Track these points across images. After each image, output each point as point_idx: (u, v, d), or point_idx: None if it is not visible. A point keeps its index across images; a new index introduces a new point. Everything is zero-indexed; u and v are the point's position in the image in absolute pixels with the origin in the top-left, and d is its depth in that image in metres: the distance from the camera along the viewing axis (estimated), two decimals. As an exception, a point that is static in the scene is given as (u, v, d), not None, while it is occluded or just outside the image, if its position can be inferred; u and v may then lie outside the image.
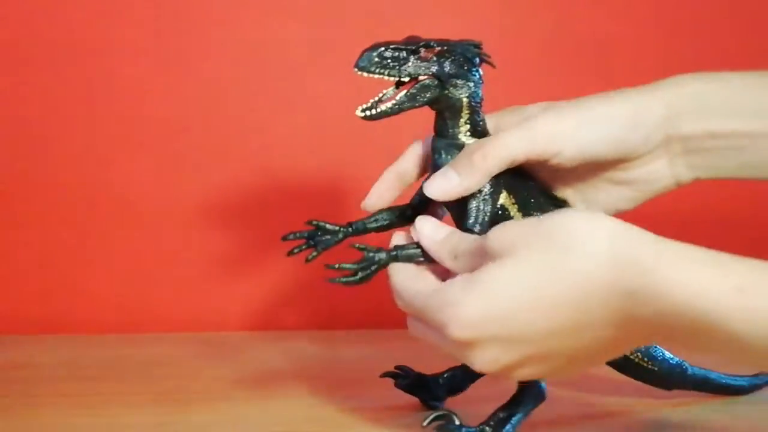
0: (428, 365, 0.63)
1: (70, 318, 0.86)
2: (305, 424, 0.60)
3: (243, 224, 0.87)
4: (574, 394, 0.66)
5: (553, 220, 0.45)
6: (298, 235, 0.57)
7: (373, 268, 0.52)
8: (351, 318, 0.88)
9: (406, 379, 0.63)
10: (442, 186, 0.52)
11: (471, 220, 0.53)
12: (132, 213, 0.86)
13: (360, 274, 0.52)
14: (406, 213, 0.58)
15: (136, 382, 0.69)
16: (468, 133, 0.54)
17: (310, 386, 0.67)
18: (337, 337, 0.85)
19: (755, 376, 0.66)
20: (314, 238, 0.57)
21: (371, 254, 0.52)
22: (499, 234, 0.47)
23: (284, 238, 0.57)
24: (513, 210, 0.54)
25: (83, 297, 0.86)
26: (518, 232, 0.46)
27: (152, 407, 0.63)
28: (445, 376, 0.62)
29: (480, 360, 0.46)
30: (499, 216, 0.53)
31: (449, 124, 0.54)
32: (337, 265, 0.53)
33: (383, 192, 0.57)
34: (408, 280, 0.51)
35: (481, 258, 0.47)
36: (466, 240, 0.50)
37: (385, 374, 0.64)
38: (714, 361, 0.61)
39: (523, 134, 0.52)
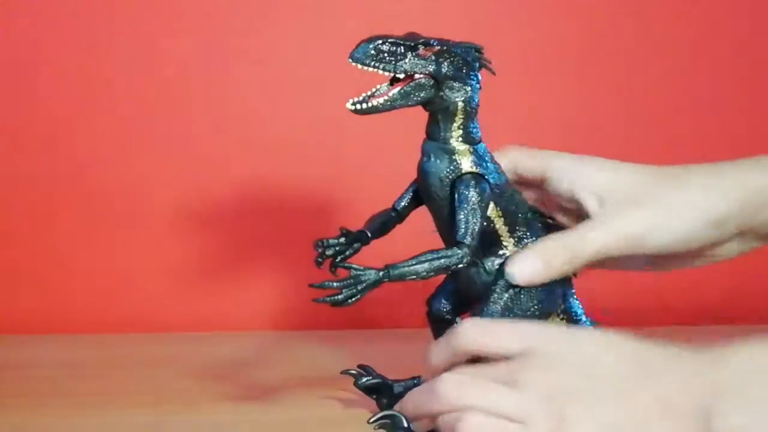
0: (396, 372, 0.61)
1: (70, 318, 0.86)
2: (308, 425, 0.60)
3: (243, 225, 0.87)
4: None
5: None
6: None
7: (360, 287, 0.50)
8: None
9: (367, 379, 0.60)
10: (529, 272, 0.52)
11: (461, 232, 0.51)
12: (132, 213, 0.86)
13: (345, 293, 0.50)
14: (392, 215, 0.57)
15: (136, 382, 0.69)
16: (460, 139, 0.53)
17: (310, 387, 0.67)
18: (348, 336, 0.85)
19: None
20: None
21: (358, 272, 0.50)
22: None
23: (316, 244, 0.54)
24: (499, 222, 0.54)
25: (83, 297, 0.86)
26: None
27: (152, 407, 0.63)
28: (406, 384, 0.59)
29: None
30: (484, 227, 0.52)
31: (441, 127, 0.53)
32: (321, 283, 0.50)
33: None
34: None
35: None
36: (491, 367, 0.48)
37: (346, 372, 0.61)
38: None
39: (612, 233, 0.52)
